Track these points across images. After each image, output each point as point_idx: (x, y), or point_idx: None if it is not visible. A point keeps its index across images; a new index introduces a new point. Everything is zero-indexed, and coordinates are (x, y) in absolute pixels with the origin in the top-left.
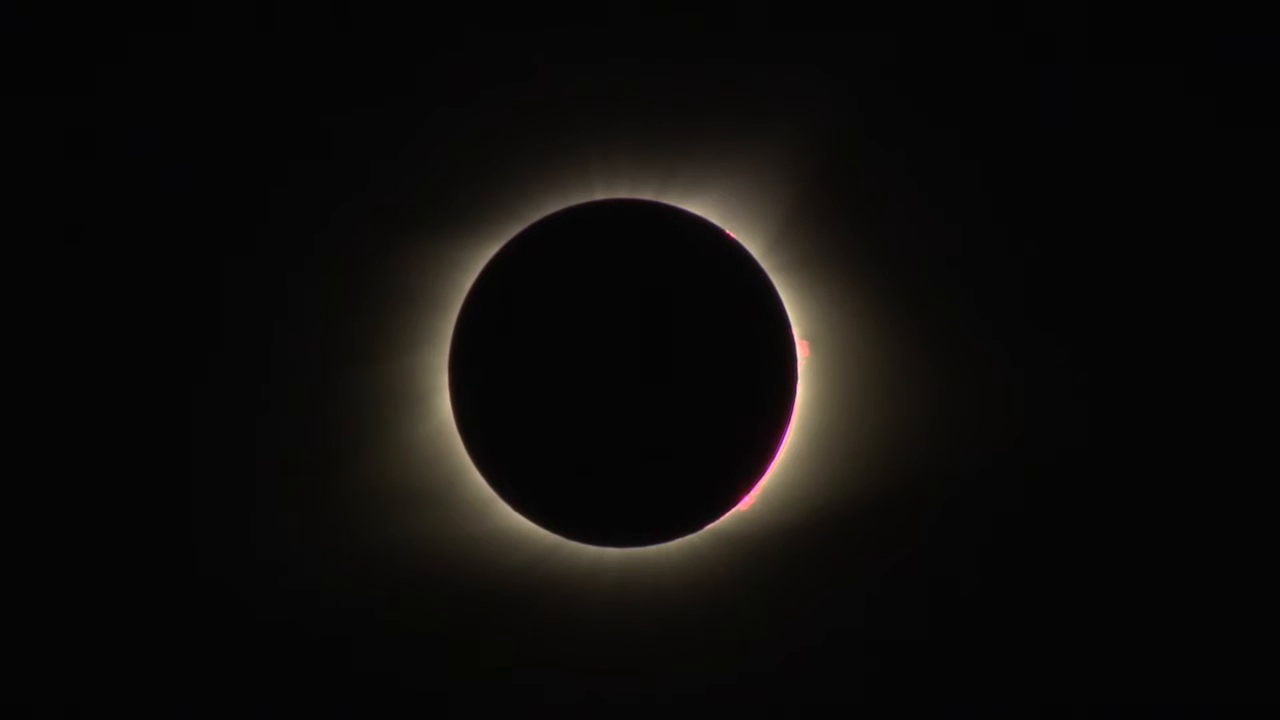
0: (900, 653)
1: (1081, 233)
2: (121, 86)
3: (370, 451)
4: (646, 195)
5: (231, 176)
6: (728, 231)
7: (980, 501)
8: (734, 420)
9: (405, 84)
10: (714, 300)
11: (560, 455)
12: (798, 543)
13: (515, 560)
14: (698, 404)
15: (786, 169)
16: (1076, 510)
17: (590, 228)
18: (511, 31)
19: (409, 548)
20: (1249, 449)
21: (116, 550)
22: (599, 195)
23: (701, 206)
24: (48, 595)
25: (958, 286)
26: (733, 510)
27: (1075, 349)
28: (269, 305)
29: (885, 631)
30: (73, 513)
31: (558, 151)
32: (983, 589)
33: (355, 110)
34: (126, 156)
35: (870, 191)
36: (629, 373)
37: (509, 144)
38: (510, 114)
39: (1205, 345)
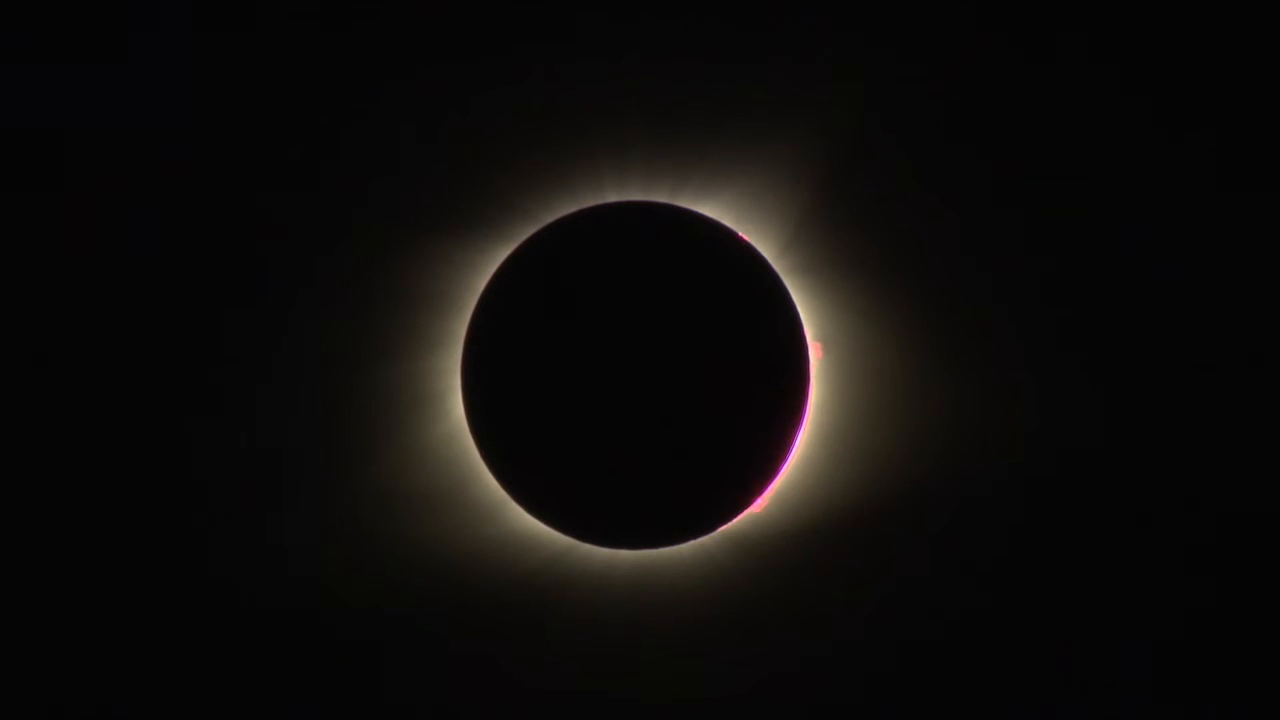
0: (911, 654)
1: (1094, 235)
2: (135, 94)
3: (383, 454)
4: (659, 197)
5: (245, 180)
6: (741, 234)
7: (992, 503)
8: (747, 422)
9: (417, 86)
10: (726, 302)
11: (573, 457)
12: (810, 544)
13: (528, 562)
14: (710, 406)
15: (800, 172)
16: (1090, 512)
17: (603, 229)
18: (523, 33)
19: (422, 550)
20: (1259, 448)
21: (131, 549)
22: (611, 197)
23: (715, 209)
24: (71, 600)
25: (970, 289)
26: (745, 512)
27: (1089, 351)
28: (281, 307)
29: (896, 633)
30: (88, 512)
31: (570, 154)
32: (995, 590)
33: (367, 114)
34: (138, 164)
35: (883, 195)
36: (641, 374)
37: (521, 146)
38: (523, 116)
39: (1217, 344)
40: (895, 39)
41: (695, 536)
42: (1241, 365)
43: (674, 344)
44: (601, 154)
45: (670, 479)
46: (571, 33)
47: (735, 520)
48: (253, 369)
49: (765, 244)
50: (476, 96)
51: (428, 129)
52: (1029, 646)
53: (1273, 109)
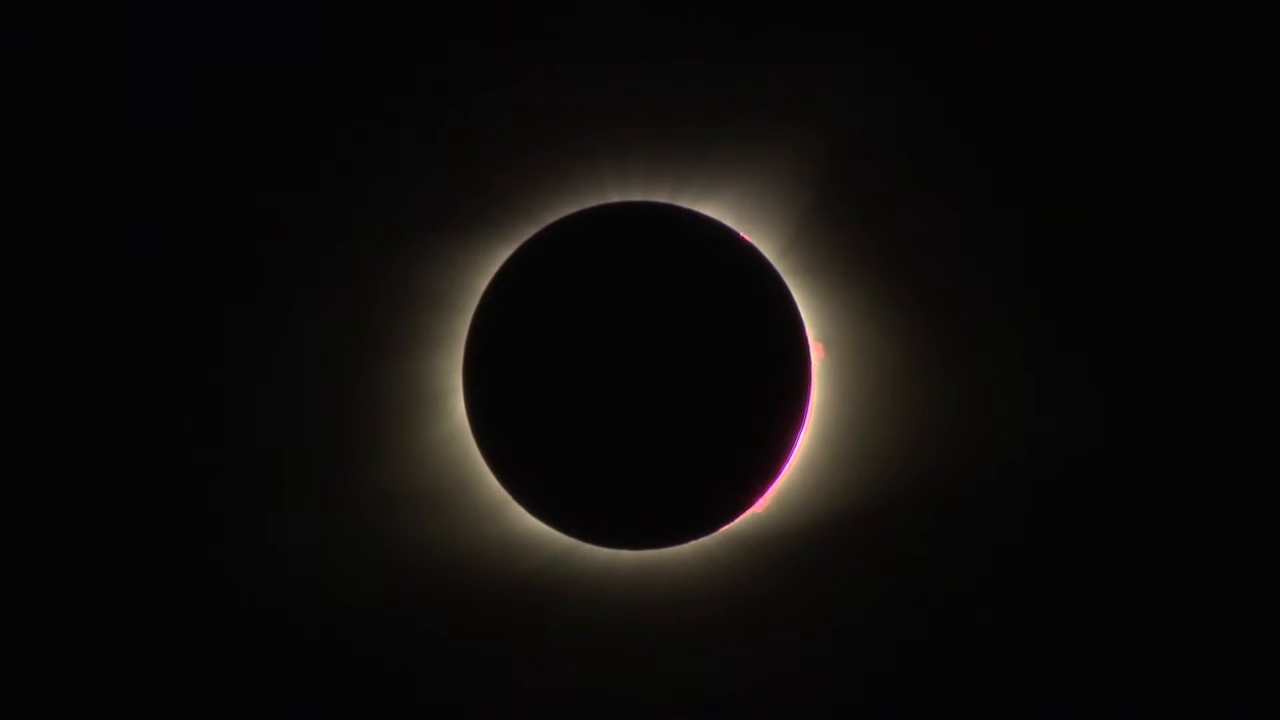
0: (911, 654)
1: (1096, 235)
2: (147, 101)
3: (384, 454)
4: (660, 197)
5: (245, 180)
6: (742, 234)
7: (994, 503)
8: (748, 422)
9: (418, 86)
10: (728, 302)
11: (574, 457)
12: (811, 544)
13: (529, 562)
14: (712, 406)
15: (801, 172)
16: (1090, 512)
17: (604, 230)
18: (525, 33)
19: (422, 550)
20: (1259, 448)
21: (131, 549)
22: (613, 197)
23: (716, 209)
24: (71, 600)
25: (972, 288)
26: (747, 512)
27: (1089, 351)
28: (281, 307)
29: (898, 633)
30: (88, 512)
31: (571, 154)
32: (995, 590)
33: (367, 114)
34: (147, 167)
35: (885, 194)
36: (643, 375)
37: (521, 146)
38: (524, 116)
39: (1217, 344)
40: (895, 39)
41: (697, 537)
42: (1241, 365)
43: (675, 344)
44: (602, 154)
45: (671, 479)
46: (572, 33)
47: (737, 520)
48: (253, 369)
49: (767, 244)
50: (476, 96)
51: (428, 129)
52: (1029, 646)
53: (1273, 109)
